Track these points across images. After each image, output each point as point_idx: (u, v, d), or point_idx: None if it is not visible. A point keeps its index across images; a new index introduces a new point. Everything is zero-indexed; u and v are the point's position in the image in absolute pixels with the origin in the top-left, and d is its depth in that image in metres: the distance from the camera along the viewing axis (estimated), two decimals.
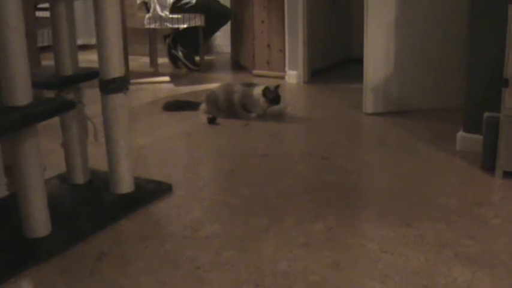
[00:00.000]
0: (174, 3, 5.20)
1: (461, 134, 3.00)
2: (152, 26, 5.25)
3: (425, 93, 3.70)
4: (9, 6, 1.98)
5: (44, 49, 4.83)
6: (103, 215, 2.40)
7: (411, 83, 3.67)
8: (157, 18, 5.18)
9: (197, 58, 5.53)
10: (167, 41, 5.57)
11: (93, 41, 6.28)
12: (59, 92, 2.55)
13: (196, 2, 5.27)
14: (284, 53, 4.83)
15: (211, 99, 3.85)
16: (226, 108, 3.78)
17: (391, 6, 3.54)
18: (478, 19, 2.83)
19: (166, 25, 5.23)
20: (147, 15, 5.23)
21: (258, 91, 3.65)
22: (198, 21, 5.25)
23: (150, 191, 2.60)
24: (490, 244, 2.03)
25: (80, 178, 2.68)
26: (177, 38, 5.50)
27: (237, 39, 5.60)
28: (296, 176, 2.77)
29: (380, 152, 3.14)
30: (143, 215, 2.40)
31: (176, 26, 5.23)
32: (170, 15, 5.19)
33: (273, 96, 3.61)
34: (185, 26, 5.22)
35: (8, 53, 2.00)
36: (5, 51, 1.99)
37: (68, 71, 2.53)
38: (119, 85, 2.43)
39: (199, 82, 4.96)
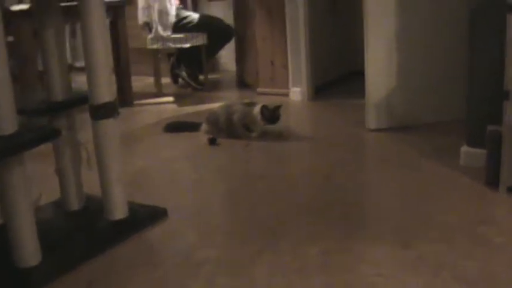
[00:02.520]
0: (175, 23, 5.19)
1: (464, 148, 2.92)
2: (155, 46, 5.23)
3: (430, 106, 3.63)
4: None
5: None
6: (95, 242, 2.35)
7: (414, 96, 3.60)
8: (159, 38, 5.17)
9: (201, 77, 5.50)
10: (171, 59, 5.56)
11: None
12: (50, 119, 2.51)
13: (198, 21, 5.26)
14: (288, 70, 4.78)
15: (212, 119, 3.81)
16: (227, 129, 3.73)
17: (391, 19, 3.49)
18: (478, 29, 2.77)
19: (169, 45, 5.21)
20: (150, 36, 5.22)
21: (257, 110, 3.60)
22: (200, 40, 5.23)
23: (144, 217, 2.55)
24: (491, 264, 1.96)
25: (74, 204, 2.64)
26: (180, 57, 5.49)
27: (241, 57, 5.57)
28: (294, 197, 2.71)
29: (382, 169, 3.07)
30: (136, 241, 2.34)
31: (179, 45, 5.21)
32: (172, 35, 5.17)
33: (269, 114, 3.56)
34: (188, 45, 5.19)
35: None
36: None
37: (59, 96, 2.50)
38: (109, 110, 2.39)
39: (203, 102, 4.93)
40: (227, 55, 6.14)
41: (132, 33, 5.80)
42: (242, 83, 5.54)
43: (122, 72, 4.92)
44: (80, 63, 7.24)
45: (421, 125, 3.59)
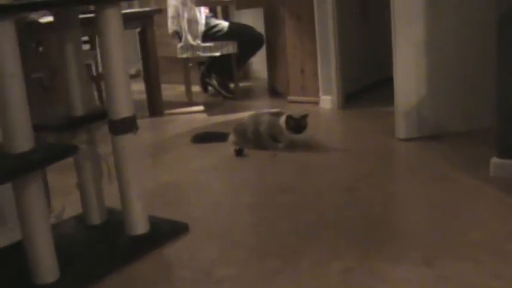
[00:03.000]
0: (205, 31, 5.18)
1: (494, 160, 2.81)
2: (185, 55, 5.23)
3: (461, 114, 3.52)
4: (5, 52, 1.94)
5: None
6: (114, 258, 2.34)
7: (445, 104, 3.50)
8: (189, 47, 5.16)
9: (232, 85, 5.47)
10: (201, 68, 5.55)
11: (133, 71, 6.41)
12: (71, 134, 2.51)
13: (228, 29, 5.23)
14: (318, 78, 4.71)
15: (240, 130, 3.77)
16: (255, 139, 3.69)
17: (420, 25, 3.40)
18: (507, 34, 2.66)
19: (199, 54, 5.20)
20: (179, 45, 5.21)
21: (283, 120, 3.55)
22: (230, 48, 5.20)
23: (165, 232, 2.53)
24: None
25: (96, 219, 2.63)
26: (210, 66, 5.47)
27: (272, 65, 5.53)
28: (317, 211, 2.64)
29: (409, 181, 2.99)
30: (155, 257, 2.32)
31: (209, 54, 5.19)
32: (202, 44, 5.16)
33: (295, 124, 3.50)
34: (218, 54, 5.17)
35: (5, 101, 1.97)
36: (3, 99, 1.96)
37: (79, 111, 2.50)
38: (128, 125, 2.38)
39: (234, 111, 4.89)
40: (259, 62, 6.09)
41: (164, 41, 5.83)
42: (273, 91, 5.50)
43: (151, 82, 4.92)
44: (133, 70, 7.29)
45: (452, 134, 3.48)
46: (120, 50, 2.32)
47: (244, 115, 4.01)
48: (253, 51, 5.47)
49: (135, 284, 2.12)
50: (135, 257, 2.32)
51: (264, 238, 2.40)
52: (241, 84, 5.85)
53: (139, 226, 2.47)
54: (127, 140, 2.40)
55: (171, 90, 5.90)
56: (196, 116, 4.89)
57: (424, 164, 3.14)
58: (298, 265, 2.13)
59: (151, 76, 4.92)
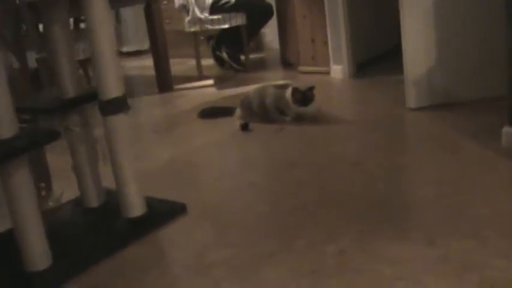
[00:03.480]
0: (212, 4, 5.05)
1: (506, 129, 2.68)
2: (192, 29, 5.13)
3: (473, 82, 3.37)
4: None
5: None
6: (109, 242, 2.29)
7: (456, 72, 3.35)
8: (196, 20, 5.06)
9: (243, 57, 5.36)
10: (210, 42, 5.44)
11: (146, 46, 6.34)
12: (63, 116, 2.45)
13: (236, 0, 5.10)
14: (328, 47, 4.58)
15: (245, 104, 3.68)
16: (261, 113, 3.60)
17: None
18: None
19: (207, 27, 5.08)
20: (187, 19, 5.11)
21: (289, 92, 3.44)
22: (239, 20, 5.08)
23: (162, 214, 2.47)
24: None
25: (93, 201, 2.58)
26: (220, 39, 5.36)
27: (283, 35, 5.41)
28: (319, 187, 2.55)
29: (418, 153, 2.87)
30: (151, 240, 2.27)
31: (217, 27, 5.08)
32: (210, 17, 5.04)
33: (300, 96, 3.39)
34: (226, 26, 5.05)
35: None
36: None
37: (70, 92, 2.43)
38: (118, 105, 2.30)
39: (245, 83, 4.78)
40: (272, 33, 5.96)
41: (173, 15, 5.73)
42: (286, 62, 5.38)
43: (159, 57, 4.84)
44: (128, 48, 7.25)
45: (463, 102, 3.34)
46: (106, 28, 2.24)
47: (256, 87, 3.90)
48: (262, 22, 5.35)
49: (127, 270, 2.07)
50: (130, 240, 2.27)
51: (261, 219, 2.33)
52: (253, 56, 5.78)
53: (135, 208, 2.41)
54: (118, 120, 2.33)
55: (181, 65, 5.83)
56: (206, 91, 4.81)
57: (434, 134, 3.02)
58: (293, 247, 2.05)
59: (159, 51, 4.84)
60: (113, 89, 2.28)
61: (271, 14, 5.30)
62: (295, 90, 3.40)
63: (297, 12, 4.75)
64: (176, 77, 5.15)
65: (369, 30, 4.69)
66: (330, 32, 4.49)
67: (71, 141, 2.51)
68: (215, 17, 5.04)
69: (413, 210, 2.23)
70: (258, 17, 5.22)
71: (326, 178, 2.66)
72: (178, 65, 5.86)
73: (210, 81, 5.08)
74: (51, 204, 2.69)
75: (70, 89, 2.43)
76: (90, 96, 2.44)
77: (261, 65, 5.63)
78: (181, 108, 4.29)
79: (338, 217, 2.23)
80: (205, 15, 5.04)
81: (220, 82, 5.03)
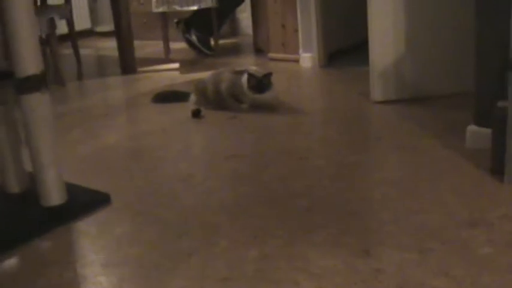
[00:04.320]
0: None
1: (471, 127, 2.44)
2: (160, 9, 4.86)
3: (444, 76, 3.12)
4: None
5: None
6: (15, 233, 2.03)
7: (426, 65, 3.11)
8: (164, 1, 4.77)
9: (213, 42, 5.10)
10: (179, 25, 5.16)
11: None
12: None
13: None
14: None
15: (200, 89, 3.42)
16: (215, 99, 3.34)
17: None
18: None
19: (175, 8, 4.81)
20: None
21: (245, 78, 3.18)
22: (209, 2, 4.80)
23: (82, 204, 2.22)
24: (468, 286, 1.51)
25: (14, 187, 2.33)
26: (189, 21, 5.08)
27: (255, 20, 5.14)
28: (259, 182, 2.30)
29: (374, 150, 2.63)
30: (64, 233, 2.02)
31: (186, 8, 4.81)
32: None
33: (255, 83, 3.13)
34: (195, 7, 4.78)
35: None
36: None
37: None
38: (35, 84, 2.05)
39: (211, 68, 4.47)
40: (248, 18, 5.69)
41: None
42: (258, 49, 5.11)
43: (122, 39, 4.58)
44: (102, 28, 6.94)
45: (432, 97, 3.10)
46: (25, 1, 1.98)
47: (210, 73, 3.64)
48: (233, 5, 5.09)
49: (26, 265, 1.82)
50: (41, 232, 2.02)
51: (187, 213, 2.07)
52: (227, 41, 5.55)
53: (53, 197, 2.17)
54: (35, 100, 2.09)
55: (151, 47, 5.56)
56: (169, 74, 4.56)
57: (395, 130, 2.77)
58: (213, 247, 1.80)
59: (122, 33, 4.57)
60: (30, 66, 2.04)
61: None
62: (251, 76, 3.14)
63: None
64: (143, 60, 4.90)
65: (342, 19, 4.42)
66: (300, 18, 4.23)
67: None
68: None
69: (355, 214, 1.98)
70: (229, 0, 4.95)
71: (269, 172, 2.41)
72: (149, 47, 5.61)
73: (176, 65, 4.82)
74: None
75: None
76: (9, 73, 2.17)
77: (233, 51, 5.37)
78: (139, 91, 4.03)
79: (271, 216, 1.99)
80: None
81: (186, 66, 4.76)
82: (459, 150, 2.41)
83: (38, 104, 2.08)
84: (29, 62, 2.03)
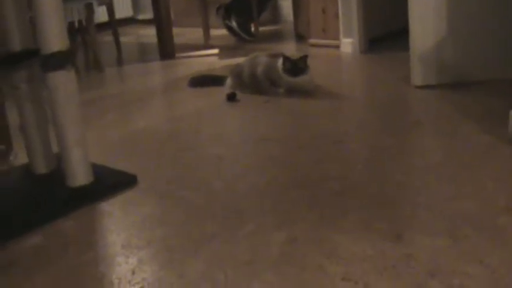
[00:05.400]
0: None
1: None
2: None
3: (485, 61, 3.00)
4: None
5: None
6: (41, 213, 2.02)
7: (467, 49, 2.99)
8: None
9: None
10: (220, 12, 5.12)
11: None
12: (7, 72, 2.19)
13: None
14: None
15: (236, 73, 3.38)
16: (251, 83, 3.29)
17: None
18: None
19: None
20: None
21: (281, 62, 3.12)
22: None
23: (108, 184, 2.20)
24: (503, 274, 1.42)
25: (42, 167, 2.34)
26: (229, 7, 5.04)
27: (296, 6, 5.06)
28: (290, 165, 2.24)
29: (411, 134, 2.53)
30: (88, 213, 2.00)
31: None
32: None
33: (290, 66, 3.06)
34: None
35: None
36: None
37: (17, 46, 2.18)
38: (60, 61, 2.04)
39: (250, 54, 4.44)
40: (289, 6, 5.62)
41: None
42: (299, 35, 5.04)
43: (161, 25, 4.58)
44: (143, 16, 6.97)
45: (473, 82, 2.98)
46: None
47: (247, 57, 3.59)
48: None
49: (48, 245, 1.80)
50: (65, 212, 2.00)
51: (215, 196, 2.03)
52: (268, 28, 5.52)
53: (79, 177, 2.16)
54: (60, 77, 2.08)
55: (193, 34, 5.56)
56: (207, 59, 4.53)
57: (435, 115, 2.68)
58: (239, 231, 1.75)
59: (162, 19, 4.58)
60: (55, 42, 2.03)
61: None
62: (286, 59, 3.08)
63: None
64: (182, 46, 4.90)
65: (383, 5, 4.30)
66: (341, 3, 4.13)
67: (17, 99, 2.25)
68: None
69: (388, 199, 1.90)
70: None
71: (301, 155, 2.34)
72: (190, 34, 5.61)
73: (215, 51, 4.78)
74: (5, 166, 2.46)
75: (17, 43, 2.16)
76: (36, 51, 2.16)
77: (274, 37, 5.31)
78: (176, 76, 4.02)
79: (301, 200, 1.93)
80: None
81: (226, 52, 4.72)
82: (500, 136, 2.30)
83: (63, 81, 2.07)
84: (54, 38, 2.02)
